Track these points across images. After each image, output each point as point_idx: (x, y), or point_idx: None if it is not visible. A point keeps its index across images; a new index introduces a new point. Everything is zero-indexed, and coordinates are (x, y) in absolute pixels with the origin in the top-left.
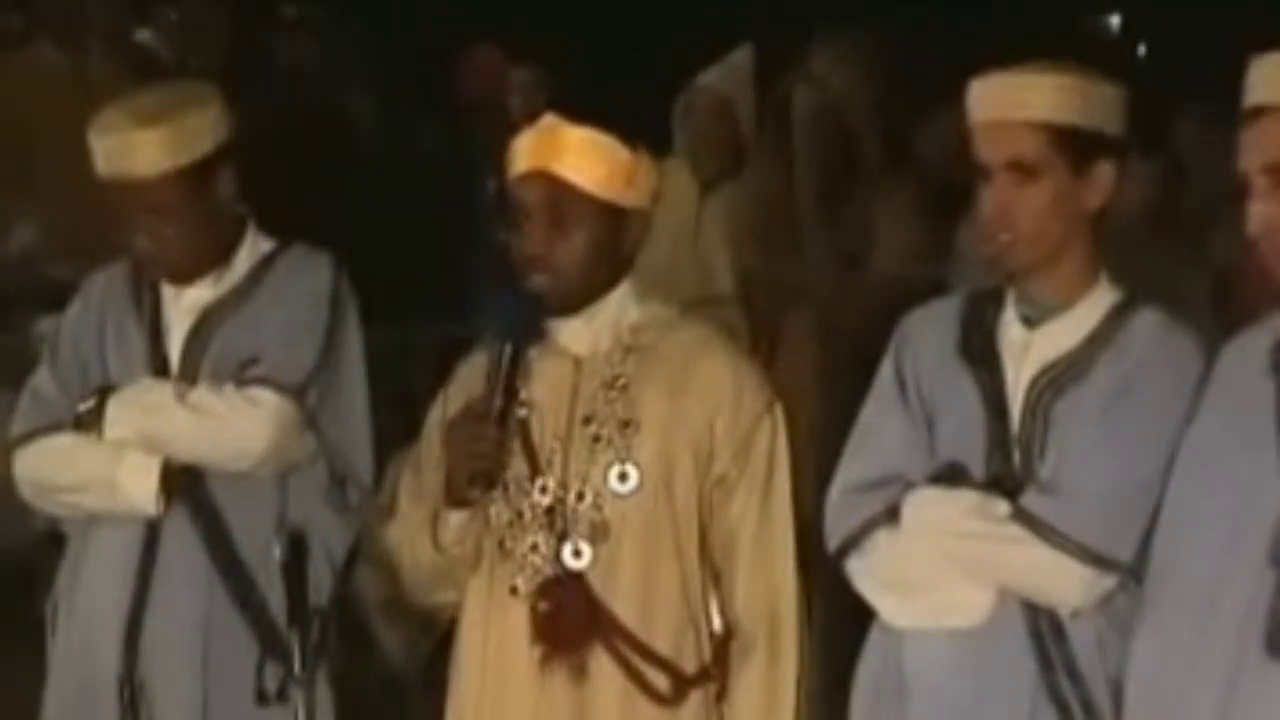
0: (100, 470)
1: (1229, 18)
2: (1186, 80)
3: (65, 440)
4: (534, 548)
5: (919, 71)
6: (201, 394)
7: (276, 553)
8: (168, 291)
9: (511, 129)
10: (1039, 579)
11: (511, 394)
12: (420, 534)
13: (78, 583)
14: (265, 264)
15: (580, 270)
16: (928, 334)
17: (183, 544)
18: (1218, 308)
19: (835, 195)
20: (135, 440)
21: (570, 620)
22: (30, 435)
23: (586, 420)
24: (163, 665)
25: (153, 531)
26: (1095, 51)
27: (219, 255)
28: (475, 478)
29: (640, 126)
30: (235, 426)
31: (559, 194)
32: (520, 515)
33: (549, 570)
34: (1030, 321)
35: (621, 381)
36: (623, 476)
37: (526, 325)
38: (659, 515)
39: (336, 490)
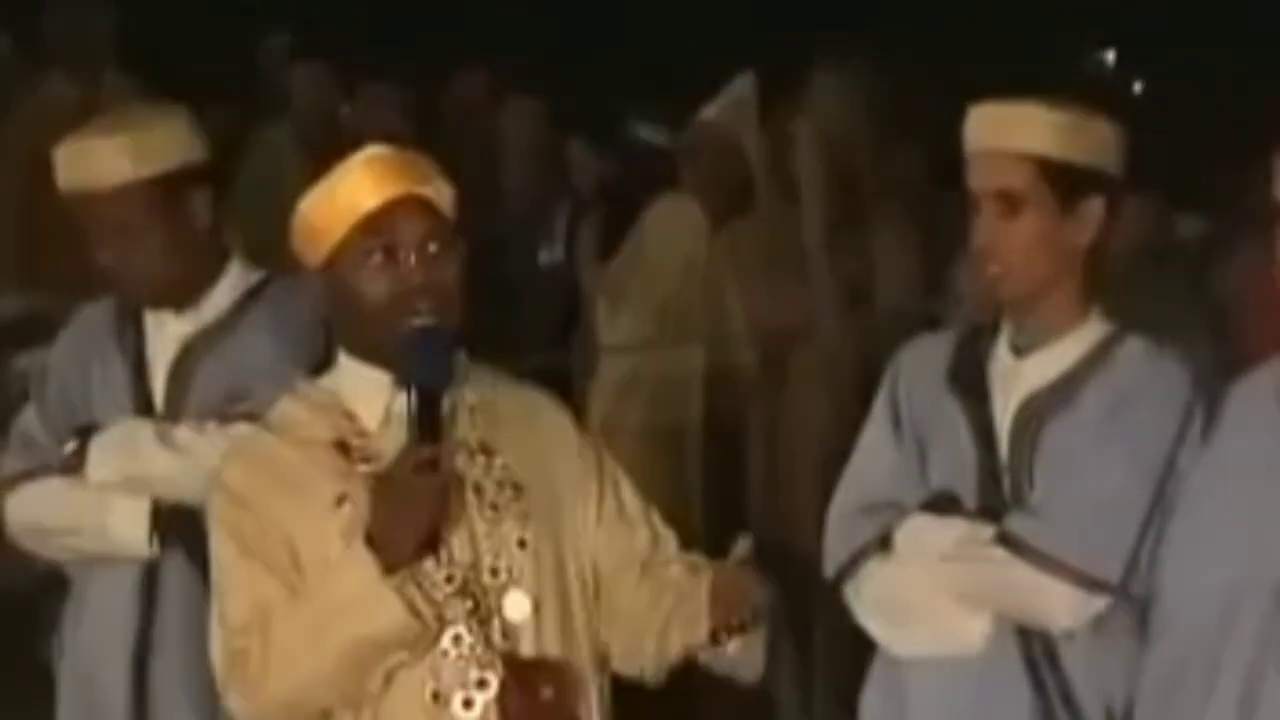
0: (89, 515)
1: (1226, 58)
2: (1183, 116)
3: (53, 485)
4: (456, 640)
5: (916, 104)
6: (184, 434)
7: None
8: (151, 324)
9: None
10: (1029, 601)
11: (437, 438)
12: (337, 619)
13: (81, 625)
14: (251, 295)
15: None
16: (920, 366)
17: (182, 581)
18: (1217, 340)
19: (839, 228)
20: (120, 483)
21: (568, 699)
22: (19, 479)
23: (477, 488)
24: (172, 707)
25: (151, 572)
26: (1091, 86)
27: (194, 283)
28: (424, 539)
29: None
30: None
31: (435, 220)
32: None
33: (484, 659)
34: (1019, 350)
35: (485, 444)
36: (522, 543)
37: (437, 362)
38: (547, 564)
39: None
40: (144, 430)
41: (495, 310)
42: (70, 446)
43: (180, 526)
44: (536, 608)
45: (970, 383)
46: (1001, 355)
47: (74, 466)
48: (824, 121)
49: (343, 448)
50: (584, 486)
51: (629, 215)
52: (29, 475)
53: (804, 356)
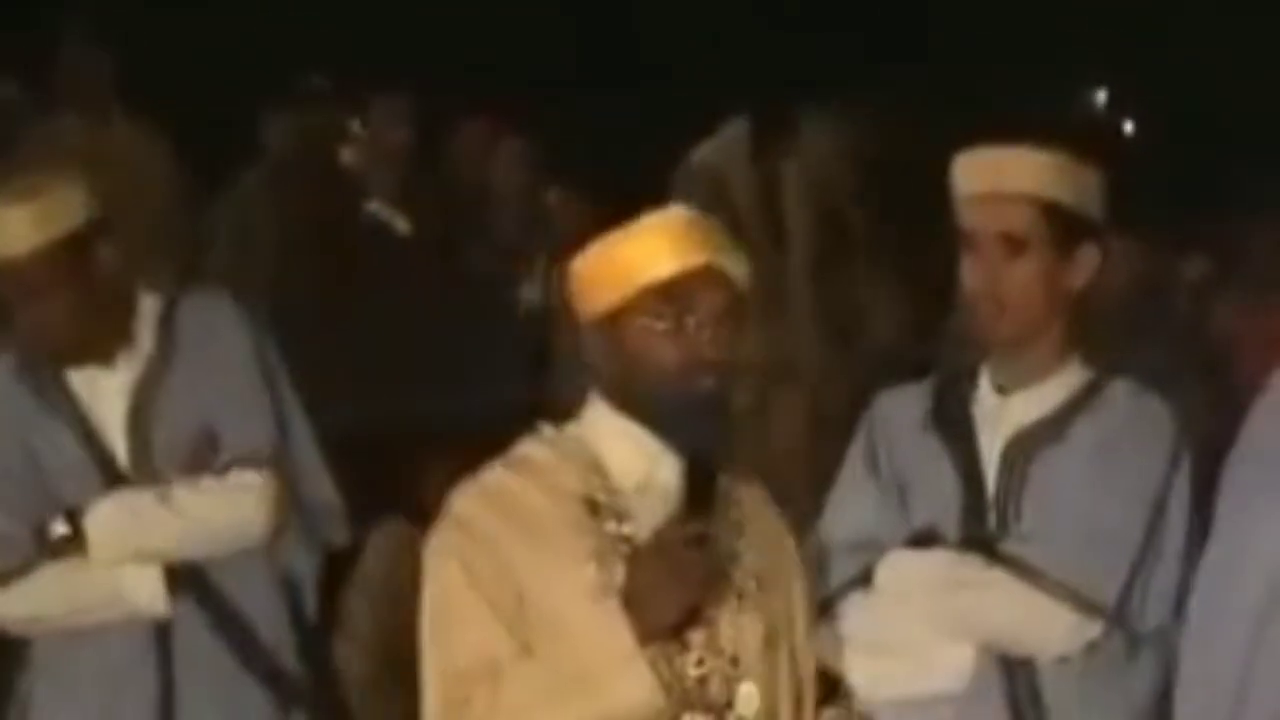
0: (101, 592)
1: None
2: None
3: (48, 574)
4: None
5: (906, 145)
6: (183, 495)
7: (277, 606)
8: (79, 383)
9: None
10: (1023, 624)
11: (708, 511)
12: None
13: (75, 689)
14: (165, 324)
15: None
16: (899, 410)
17: (193, 629)
18: (1208, 378)
19: (825, 269)
20: (129, 557)
21: None
22: (8, 578)
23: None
24: None
25: (160, 625)
26: (1082, 127)
27: (115, 333)
28: (687, 616)
29: (635, 201)
30: (229, 520)
31: (730, 292)
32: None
33: None
34: (1004, 390)
35: (739, 527)
36: (759, 635)
37: (715, 432)
38: (780, 659)
39: (310, 524)
40: (141, 500)
41: (479, 342)
42: (59, 531)
43: (185, 578)
44: (769, 707)
45: (954, 422)
46: (985, 396)
47: (68, 549)
48: (813, 163)
49: (590, 503)
50: (803, 598)
51: None
52: (19, 572)
53: (788, 395)
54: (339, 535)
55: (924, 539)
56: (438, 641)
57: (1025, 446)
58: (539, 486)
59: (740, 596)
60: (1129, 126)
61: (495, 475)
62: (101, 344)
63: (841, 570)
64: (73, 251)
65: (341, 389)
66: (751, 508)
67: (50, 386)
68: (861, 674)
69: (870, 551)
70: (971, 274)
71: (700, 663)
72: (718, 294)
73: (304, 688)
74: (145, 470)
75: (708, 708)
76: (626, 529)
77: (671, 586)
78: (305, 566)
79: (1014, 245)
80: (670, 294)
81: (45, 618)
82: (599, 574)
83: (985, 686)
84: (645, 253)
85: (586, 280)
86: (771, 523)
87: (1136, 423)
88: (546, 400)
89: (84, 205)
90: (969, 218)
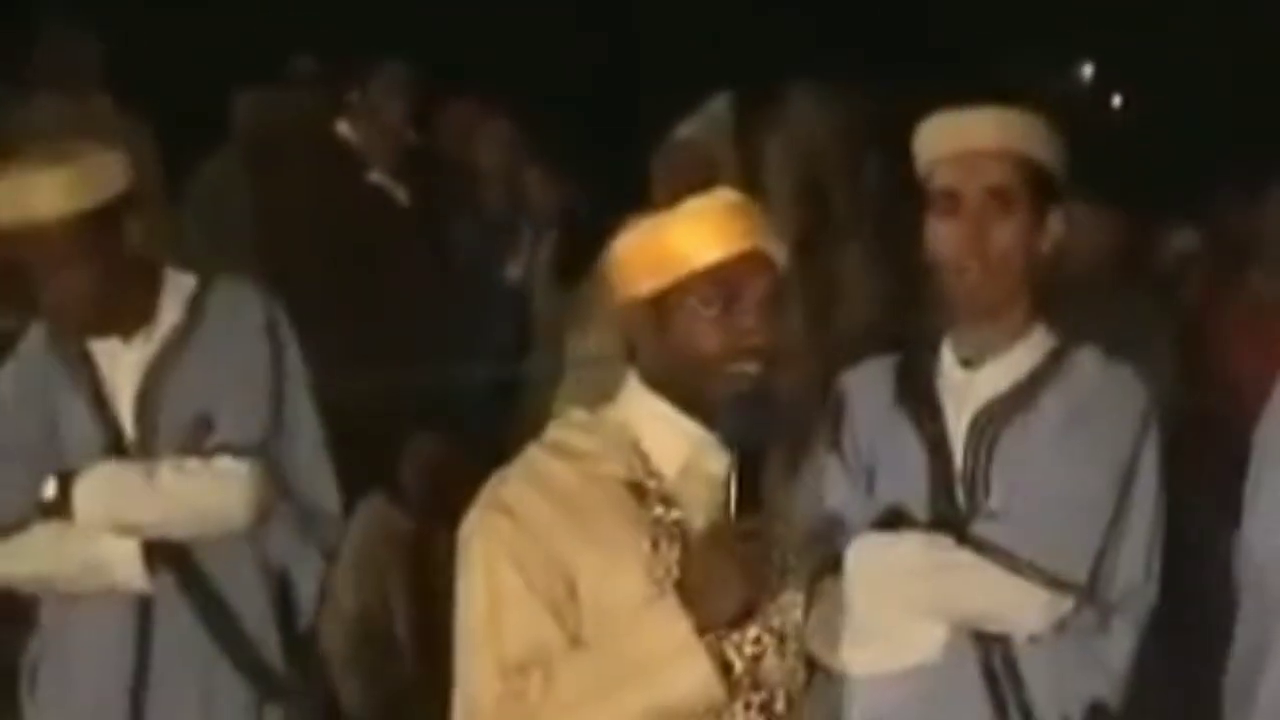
0: (82, 558)
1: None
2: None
3: (39, 535)
4: (745, 707)
5: (890, 122)
6: (168, 476)
7: (264, 601)
8: (102, 355)
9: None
10: (996, 606)
11: (759, 505)
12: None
13: (68, 661)
14: (194, 308)
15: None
16: (863, 390)
17: (171, 610)
18: (1184, 352)
19: (807, 245)
20: (111, 527)
21: None
22: (4, 533)
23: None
24: None
25: (144, 604)
26: (1069, 102)
27: (136, 308)
28: (744, 608)
29: (616, 178)
30: (212, 504)
31: (774, 277)
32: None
33: None
34: (969, 363)
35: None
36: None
37: (764, 425)
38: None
39: (308, 522)
40: (129, 474)
41: (465, 317)
42: (50, 491)
43: (169, 558)
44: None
45: (920, 398)
46: (949, 370)
47: (58, 511)
48: (796, 138)
49: (636, 488)
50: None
51: (589, 237)
52: (15, 529)
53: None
54: (333, 542)
55: (892, 519)
56: (487, 634)
57: (993, 420)
58: (583, 473)
59: (783, 574)
60: (1116, 100)
61: (540, 461)
62: (123, 318)
63: (810, 555)
64: (101, 223)
65: (322, 364)
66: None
67: (73, 356)
68: (835, 659)
69: (839, 536)
70: (953, 236)
71: (757, 640)
72: (762, 279)
73: (285, 686)
74: (149, 447)
75: (758, 686)
76: (674, 514)
77: (729, 582)
78: (302, 569)
79: (1002, 201)
80: (717, 279)
81: (36, 578)
82: (653, 560)
83: (961, 659)
84: (692, 237)
85: (629, 263)
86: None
87: (1105, 391)
88: (527, 379)
89: (118, 178)
90: (950, 177)
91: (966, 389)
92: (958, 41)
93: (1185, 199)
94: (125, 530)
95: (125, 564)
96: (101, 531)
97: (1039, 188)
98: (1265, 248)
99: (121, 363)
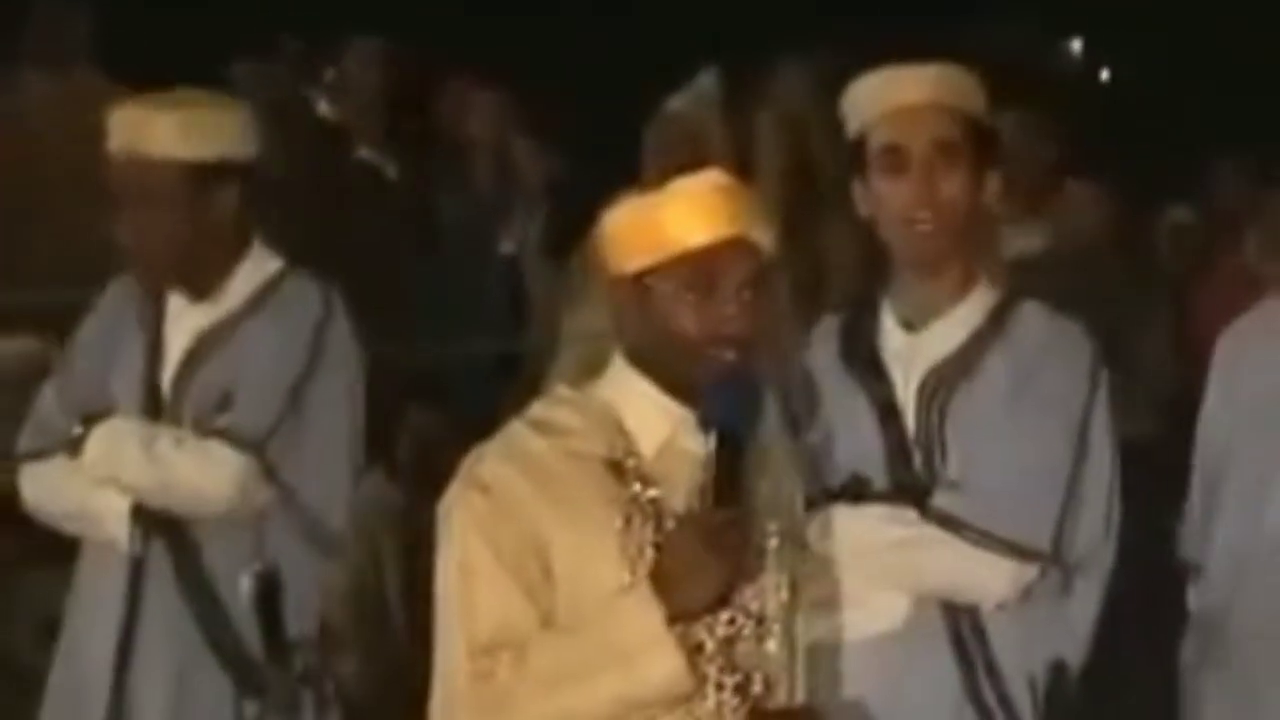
0: (78, 502)
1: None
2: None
3: (56, 467)
4: (718, 688)
5: None
6: (164, 445)
7: (245, 588)
8: (172, 311)
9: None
10: (961, 578)
11: (738, 492)
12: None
13: (73, 616)
14: (265, 288)
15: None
16: (811, 355)
17: (162, 582)
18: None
19: (796, 220)
20: (108, 481)
21: None
22: (29, 457)
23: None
24: (148, 705)
25: (137, 569)
26: (1059, 77)
27: (211, 270)
28: (718, 596)
29: (606, 151)
30: (191, 482)
31: (757, 264)
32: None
33: (739, 709)
34: (911, 326)
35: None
36: (781, 591)
37: (745, 410)
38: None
39: (311, 526)
40: (133, 435)
41: (463, 293)
42: (76, 431)
43: (165, 526)
44: (789, 659)
45: (865, 362)
46: (891, 331)
47: (74, 451)
48: (785, 113)
49: (615, 467)
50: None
51: (580, 211)
52: (39, 455)
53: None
54: (337, 549)
55: (854, 486)
56: (458, 612)
57: (941, 383)
58: (563, 450)
59: (760, 554)
60: (1105, 75)
61: (521, 438)
62: (194, 277)
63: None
64: (198, 179)
65: None
66: (762, 462)
67: (146, 308)
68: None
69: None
70: (901, 191)
71: (731, 621)
72: (745, 266)
73: (263, 681)
74: (178, 411)
75: (733, 668)
76: (651, 492)
77: (706, 569)
78: (298, 571)
79: (951, 154)
80: (699, 264)
81: (45, 509)
82: (626, 537)
83: (929, 626)
84: (678, 219)
85: (617, 238)
86: (786, 476)
87: (1051, 347)
88: (524, 354)
89: (230, 140)
90: (894, 132)
91: (911, 352)
92: (944, 17)
93: (1177, 176)
94: (120, 488)
95: (115, 520)
96: (101, 482)
97: (979, 144)
98: (1259, 222)
99: (183, 322)
